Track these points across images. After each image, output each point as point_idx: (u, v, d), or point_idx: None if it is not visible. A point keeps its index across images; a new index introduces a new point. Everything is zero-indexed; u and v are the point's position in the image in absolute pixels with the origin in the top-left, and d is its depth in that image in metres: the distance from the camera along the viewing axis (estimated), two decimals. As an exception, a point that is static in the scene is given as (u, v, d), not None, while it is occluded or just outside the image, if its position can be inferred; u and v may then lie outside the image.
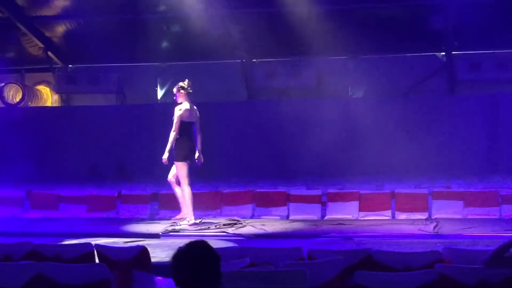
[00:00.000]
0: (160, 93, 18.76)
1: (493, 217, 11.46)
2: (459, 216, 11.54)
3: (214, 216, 12.05)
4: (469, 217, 11.50)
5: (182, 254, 3.88)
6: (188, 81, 11.18)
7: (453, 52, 16.82)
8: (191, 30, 16.74)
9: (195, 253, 3.88)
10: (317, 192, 12.35)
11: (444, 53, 17.04)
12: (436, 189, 12.21)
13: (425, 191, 12.11)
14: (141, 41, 17.52)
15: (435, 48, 17.16)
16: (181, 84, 11.17)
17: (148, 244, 7.83)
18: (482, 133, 15.93)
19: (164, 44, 18.27)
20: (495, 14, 15.36)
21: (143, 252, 6.88)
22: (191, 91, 11.13)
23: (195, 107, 11.26)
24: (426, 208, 11.70)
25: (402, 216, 11.65)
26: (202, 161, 11.28)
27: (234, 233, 10.44)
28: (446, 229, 10.40)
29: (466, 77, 16.49)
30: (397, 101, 16.34)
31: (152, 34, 17.52)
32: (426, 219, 11.33)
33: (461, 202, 11.70)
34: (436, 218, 11.39)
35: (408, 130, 15.69)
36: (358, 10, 16.51)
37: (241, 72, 17.97)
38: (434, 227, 10.50)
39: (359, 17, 16.44)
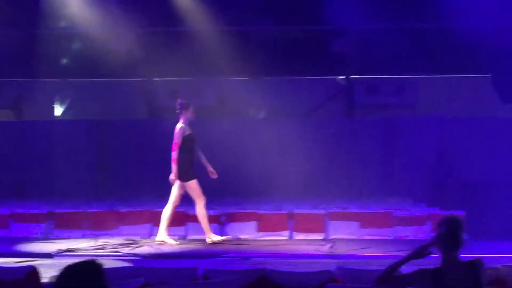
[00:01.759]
0: (59, 109, 18.38)
1: (387, 237, 11.75)
2: (355, 237, 11.78)
3: (111, 236, 11.87)
4: (364, 237, 11.75)
5: (67, 272, 3.79)
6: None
7: (352, 76, 17.19)
8: (93, 47, 16.50)
9: (80, 272, 3.79)
10: (215, 211, 12.35)
11: (344, 77, 17.39)
12: (333, 210, 12.41)
13: (322, 211, 12.29)
14: (41, 57, 17.14)
15: (336, 72, 17.49)
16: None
17: (41, 264, 7.64)
18: (379, 155, 16.29)
19: (65, 60, 17.94)
20: (394, 40, 15.79)
21: (33, 272, 6.70)
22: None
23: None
24: (322, 229, 11.88)
25: (300, 236, 11.79)
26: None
27: (130, 253, 10.30)
28: (341, 249, 10.58)
29: (365, 101, 16.86)
30: (298, 122, 16.54)
31: (52, 50, 17.18)
32: (322, 240, 11.50)
33: (356, 223, 11.95)
34: (332, 239, 11.57)
35: (308, 152, 15.89)
36: (261, 32, 16.68)
37: (143, 91, 17.83)
38: (330, 247, 10.65)
39: (262, 39, 16.61)
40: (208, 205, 12.17)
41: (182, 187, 11.30)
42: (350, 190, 15.47)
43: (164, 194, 14.57)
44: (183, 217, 12.18)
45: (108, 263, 4.03)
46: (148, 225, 12.21)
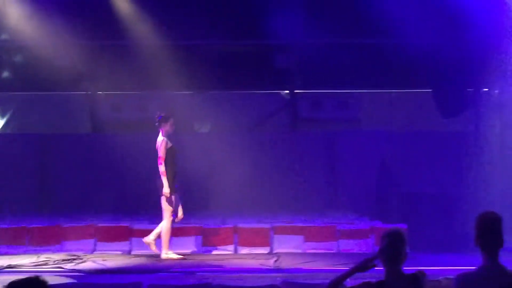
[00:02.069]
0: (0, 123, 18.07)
1: (331, 251, 11.84)
2: (300, 251, 11.84)
3: (54, 252, 11.68)
4: (309, 251, 11.82)
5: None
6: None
7: (296, 91, 17.31)
8: (35, 60, 16.27)
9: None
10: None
11: (288, 91, 17.50)
12: (277, 224, 12.45)
13: (267, 225, 12.32)
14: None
15: (280, 86, 17.60)
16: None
17: (-21, 281, 7.46)
18: (322, 169, 16.43)
19: (6, 73, 17.65)
20: (337, 55, 15.96)
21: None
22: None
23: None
24: (267, 243, 11.90)
25: (244, 250, 11.79)
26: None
27: (73, 269, 10.15)
28: (286, 263, 10.61)
29: (308, 115, 17.00)
30: (242, 137, 16.57)
31: (-8, 62, 16.94)
32: (267, 254, 11.51)
33: (301, 237, 12.00)
34: (277, 253, 11.60)
35: (252, 166, 15.92)
36: (205, 46, 16.70)
37: (86, 104, 17.66)
38: (275, 261, 10.67)
39: (206, 53, 16.62)
40: (153, 220, 12.11)
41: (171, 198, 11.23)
42: (294, 204, 15.54)
43: (108, 208, 14.46)
44: (127, 232, 12.07)
45: (51, 279, 3.96)
46: (91, 241, 12.06)
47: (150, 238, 11.34)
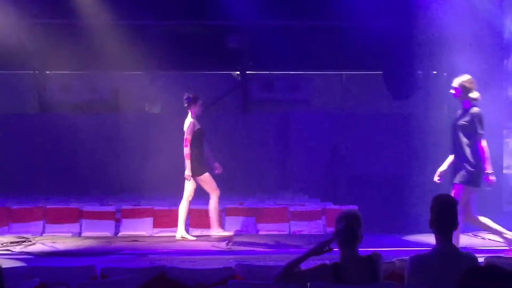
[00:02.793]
0: None
1: (283, 232, 11.88)
2: (252, 232, 11.85)
3: (1, 234, 11.48)
4: (261, 233, 11.84)
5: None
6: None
7: (247, 72, 17.27)
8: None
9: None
10: (110, 208, 12.15)
11: (239, 73, 17.46)
12: (229, 206, 12.44)
13: (219, 207, 12.28)
14: None
15: (231, 67, 17.55)
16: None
17: None
18: (274, 151, 16.47)
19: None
20: (289, 37, 15.97)
21: None
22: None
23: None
24: (220, 224, 11.86)
25: (197, 232, 11.75)
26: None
27: (22, 251, 9.98)
28: (238, 245, 10.61)
29: (260, 97, 17.00)
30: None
31: None
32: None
33: (253, 218, 12.01)
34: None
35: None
36: (155, 27, 16.54)
37: (34, 84, 17.35)
38: (227, 243, 10.67)
39: (156, 33, 16.47)
40: (104, 201, 11.97)
41: (195, 182, 11.21)
42: (246, 186, 15.55)
43: (58, 190, 14.25)
44: (77, 214, 11.92)
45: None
46: (40, 222, 11.87)
47: (213, 231, 11.30)
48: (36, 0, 15.14)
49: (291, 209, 12.28)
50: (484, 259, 7.01)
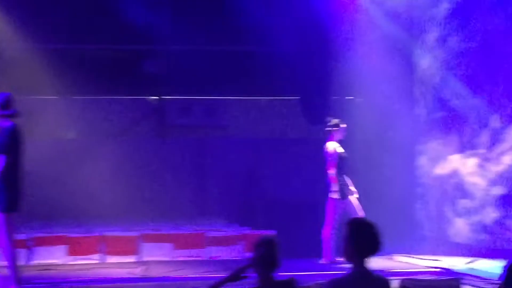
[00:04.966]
0: None
1: (200, 258, 11.81)
2: (169, 258, 11.74)
3: None
4: (178, 259, 11.74)
5: None
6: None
7: (164, 97, 17.16)
8: None
9: None
10: (22, 236, 11.82)
11: (156, 97, 17.32)
12: (146, 232, 12.31)
13: (135, 233, 12.14)
14: None
15: (148, 92, 17.38)
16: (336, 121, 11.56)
17: None
18: (192, 176, 16.37)
19: None
20: (206, 62, 15.96)
21: None
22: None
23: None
24: (136, 251, 11.73)
25: (112, 259, 11.57)
26: None
27: None
28: (155, 271, 10.49)
29: (177, 122, 16.89)
30: (110, 143, 16.26)
31: None
32: (135, 262, 11.33)
33: (170, 244, 11.91)
34: (145, 261, 11.45)
35: (120, 173, 15.64)
36: (71, 51, 16.29)
37: None
38: (143, 270, 10.54)
39: (72, 57, 16.20)
40: (16, 230, 11.60)
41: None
42: (163, 211, 15.39)
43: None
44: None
45: None
46: None
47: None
48: None
49: (208, 234, 12.25)
50: (399, 281, 7.10)
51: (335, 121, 12.00)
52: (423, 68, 14.70)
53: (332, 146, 11.84)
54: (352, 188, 11.90)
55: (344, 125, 12.00)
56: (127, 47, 16.69)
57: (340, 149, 11.87)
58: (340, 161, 11.77)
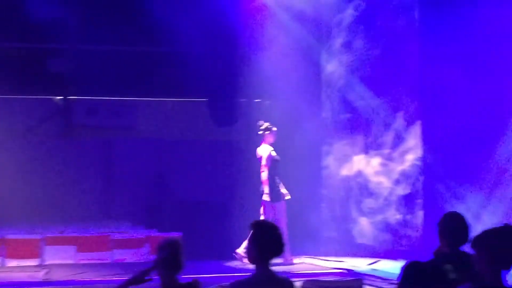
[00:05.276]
0: None
1: (105, 261, 11.66)
2: (72, 261, 11.55)
3: None
4: (82, 262, 11.56)
5: None
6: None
7: (70, 97, 16.84)
8: None
9: None
10: None
11: (61, 97, 16.99)
12: (49, 235, 12.06)
13: (37, 236, 11.88)
14: None
15: (52, 92, 17.03)
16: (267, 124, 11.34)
17: None
18: (96, 178, 16.12)
19: None
20: (113, 62, 15.77)
21: None
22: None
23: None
24: (38, 254, 11.49)
25: (13, 263, 11.30)
26: None
27: None
28: (57, 275, 10.32)
29: (83, 122, 16.61)
30: (12, 144, 15.84)
31: None
32: (38, 266, 11.10)
33: (74, 247, 11.72)
34: (48, 264, 11.23)
35: (23, 174, 15.26)
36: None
37: None
38: (46, 274, 10.33)
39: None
40: None
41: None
42: (67, 214, 15.08)
43: None
44: None
45: None
46: None
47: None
48: None
49: (113, 236, 12.11)
50: (301, 283, 7.18)
51: (266, 124, 12.04)
52: (329, 72, 14.95)
53: (266, 149, 11.89)
54: (284, 190, 11.96)
55: (275, 129, 12.05)
56: (32, 45, 16.33)
57: (273, 152, 11.93)
58: (273, 164, 11.84)
